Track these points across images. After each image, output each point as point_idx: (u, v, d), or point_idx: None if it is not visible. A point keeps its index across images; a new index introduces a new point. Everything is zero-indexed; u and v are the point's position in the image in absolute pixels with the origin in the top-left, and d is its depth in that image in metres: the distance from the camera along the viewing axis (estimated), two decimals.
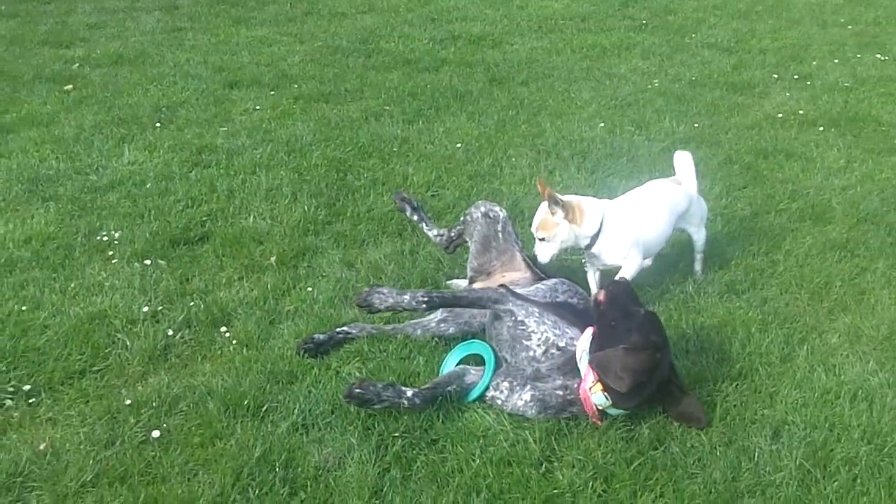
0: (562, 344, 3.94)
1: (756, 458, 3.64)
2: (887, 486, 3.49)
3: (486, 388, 3.90)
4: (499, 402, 3.88)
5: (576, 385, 3.78)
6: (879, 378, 4.15)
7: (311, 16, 11.02)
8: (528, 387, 3.84)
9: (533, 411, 3.82)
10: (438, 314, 4.43)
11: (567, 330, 4.00)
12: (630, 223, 4.66)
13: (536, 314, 4.04)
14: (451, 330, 4.38)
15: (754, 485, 3.50)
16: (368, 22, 10.71)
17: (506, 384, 3.88)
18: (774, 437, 3.77)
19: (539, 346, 3.96)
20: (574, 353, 3.87)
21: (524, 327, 4.01)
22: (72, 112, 7.60)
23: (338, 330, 4.34)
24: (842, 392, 4.03)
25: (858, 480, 3.53)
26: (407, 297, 4.09)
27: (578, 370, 3.81)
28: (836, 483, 3.50)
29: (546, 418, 3.80)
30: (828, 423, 3.83)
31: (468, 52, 9.52)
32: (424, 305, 4.10)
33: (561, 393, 3.82)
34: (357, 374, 4.05)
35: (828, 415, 3.89)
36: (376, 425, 3.72)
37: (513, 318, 4.04)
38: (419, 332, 4.38)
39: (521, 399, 3.83)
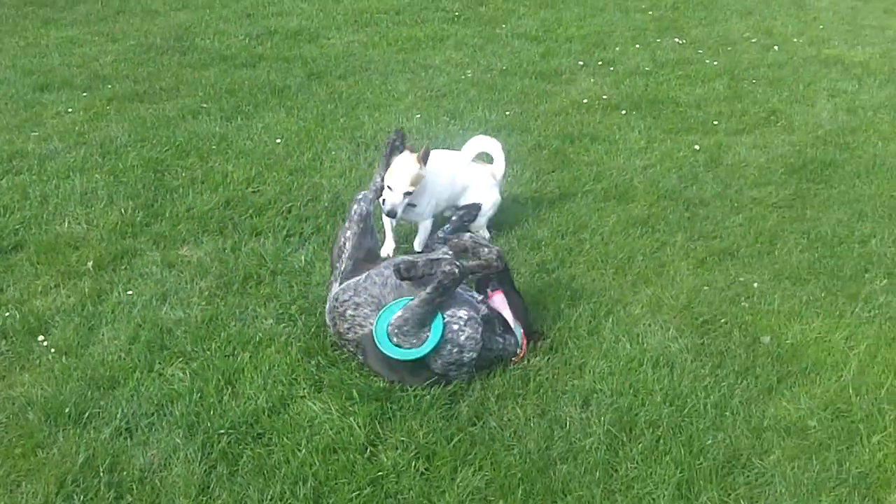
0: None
1: (567, 427, 3.87)
2: (687, 443, 3.78)
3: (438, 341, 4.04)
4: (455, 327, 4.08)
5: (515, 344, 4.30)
6: (679, 344, 4.46)
7: (124, 14, 10.73)
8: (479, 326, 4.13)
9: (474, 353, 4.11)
10: None
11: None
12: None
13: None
14: None
15: (566, 451, 3.73)
16: (182, 19, 10.53)
17: (462, 312, 4.11)
18: (584, 405, 4.02)
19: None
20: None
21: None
22: None
23: None
24: (645, 359, 4.32)
25: (661, 441, 3.81)
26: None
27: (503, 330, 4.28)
28: (640, 445, 3.77)
29: (475, 365, 4.13)
30: (633, 389, 4.11)
31: (285, 48, 9.50)
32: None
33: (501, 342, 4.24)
34: (180, 374, 4.07)
35: (632, 381, 4.17)
36: (201, 423, 3.76)
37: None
38: None
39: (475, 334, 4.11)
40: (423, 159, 4.87)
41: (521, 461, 3.66)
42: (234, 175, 6.20)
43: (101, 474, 3.47)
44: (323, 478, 3.52)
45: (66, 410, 3.81)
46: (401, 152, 4.89)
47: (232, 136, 7.00)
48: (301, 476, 3.51)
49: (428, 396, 3.99)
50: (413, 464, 3.61)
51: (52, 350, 4.26)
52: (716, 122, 7.58)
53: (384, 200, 4.84)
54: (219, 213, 5.64)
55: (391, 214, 4.90)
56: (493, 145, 5.46)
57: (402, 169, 4.82)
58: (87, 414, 3.81)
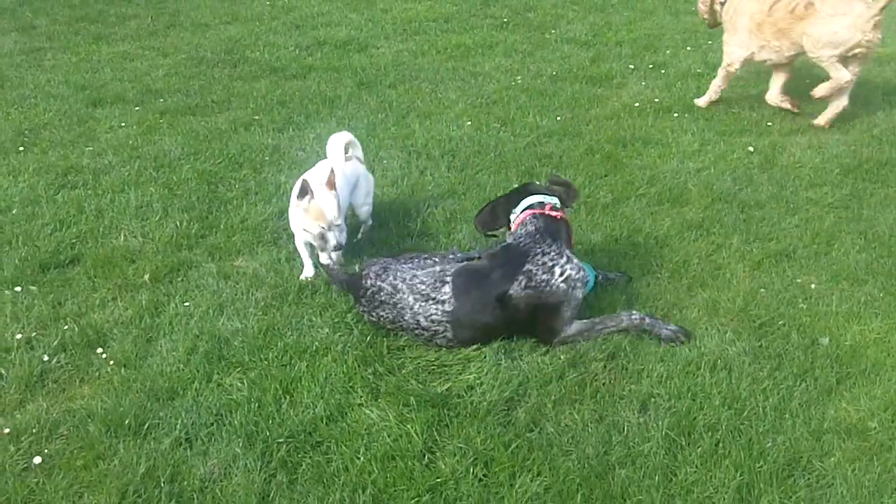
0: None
1: (625, 432, 3.85)
2: (747, 447, 3.74)
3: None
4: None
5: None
6: (737, 347, 4.42)
7: (174, 28, 10.90)
8: None
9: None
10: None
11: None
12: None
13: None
14: None
15: (625, 456, 3.71)
16: (232, 32, 10.67)
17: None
18: (642, 410, 4.00)
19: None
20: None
21: None
22: None
23: None
24: (702, 363, 4.29)
25: (720, 444, 3.77)
26: None
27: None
28: (699, 448, 3.74)
29: None
30: (690, 393, 4.08)
31: (335, 58, 9.59)
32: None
33: None
34: (238, 384, 4.11)
35: (690, 385, 4.14)
36: (260, 432, 3.80)
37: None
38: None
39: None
40: (332, 184, 4.79)
41: (579, 466, 3.64)
42: (286, 186, 6.24)
43: (162, 485, 3.52)
44: (382, 485, 3.53)
45: (126, 422, 3.86)
46: (308, 194, 4.73)
47: (284, 147, 7.07)
48: (360, 484, 3.52)
49: (485, 403, 3.99)
50: (471, 470, 3.61)
51: (111, 362, 4.33)
52: (770, 124, 7.50)
53: (334, 245, 4.77)
54: (273, 224, 5.69)
55: (341, 247, 4.85)
56: (346, 137, 5.42)
57: (330, 204, 4.73)
58: (146, 425, 3.86)
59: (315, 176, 4.97)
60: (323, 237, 4.77)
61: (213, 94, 8.39)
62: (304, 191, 4.70)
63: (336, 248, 4.78)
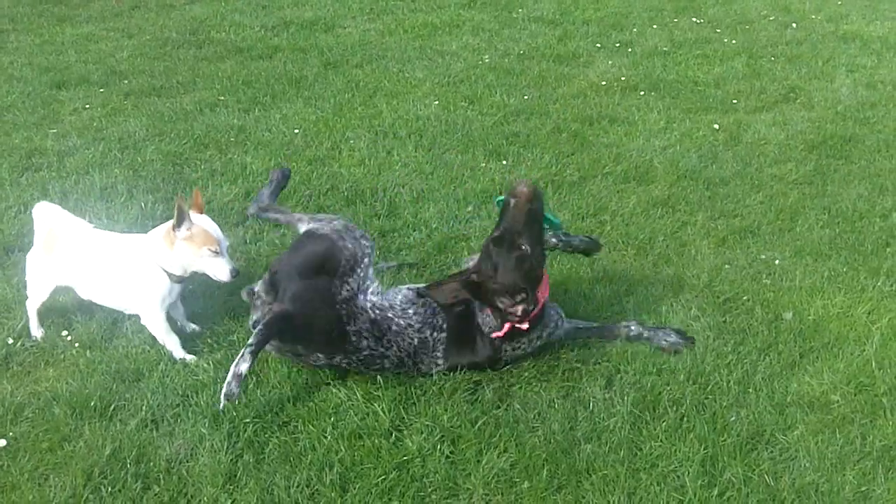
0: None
1: (591, 407, 3.88)
2: (711, 421, 3.78)
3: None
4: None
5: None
6: (701, 322, 4.47)
7: (139, 10, 10.75)
8: None
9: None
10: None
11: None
12: None
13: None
14: None
15: (590, 431, 3.74)
16: (197, 12, 10.55)
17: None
18: (607, 386, 4.03)
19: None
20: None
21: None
22: None
23: None
24: None
25: (685, 419, 3.81)
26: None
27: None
28: (664, 423, 3.78)
29: None
30: (655, 369, 4.12)
31: (301, 38, 9.51)
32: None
33: None
34: (204, 365, 4.09)
35: (655, 361, 4.18)
36: (226, 413, 3.78)
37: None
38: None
39: None
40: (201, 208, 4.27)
41: (545, 442, 3.67)
42: (253, 166, 6.22)
43: (128, 466, 3.50)
44: (349, 463, 3.54)
45: (92, 404, 3.84)
46: (185, 220, 4.08)
47: (250, 127, 7.02)
48: (327, 462, 3.53)
49: (452, 381, 4.00)
50: (438, 447, 3.62)
51: (77, 345, 4.30)
52: (735, 101, 7.55)
53: (230, 271, 4.16)
54: (239, 205, 5.66)
55: (237, 273, 4.22)
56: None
57: (213, 224, 4.21)
58: (112, 406, 3.84)
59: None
60: (216, 261, 4.15)
61: (178, 76, 8.30)
62: (182, 218, 4.04)
63: (234, 274, 4.17)
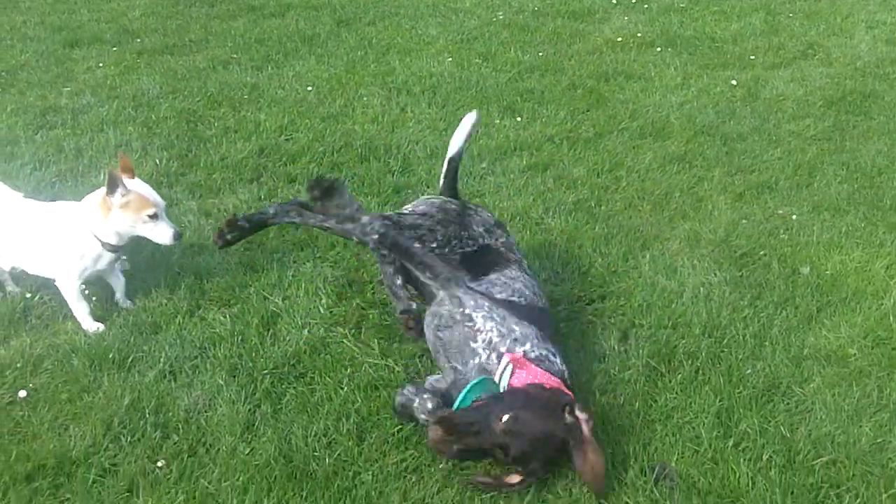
0: (503, 349, 3.40)
1: (606, 361, 3.88)
2: (727, 373, 3.78)
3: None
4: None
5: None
6: (718, 277, 4.45)
7: None
8: None
9: None
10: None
11: (514, 327, 3.48)
12: None
13: (486, 308, 3.56)
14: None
15: (606, 384, 3.74)
16: None
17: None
18: (623, 339, 4.03)
19: (483, 349, 3.45)
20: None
21: (471, 324, 3.51)
22: None
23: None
24: (683, 293, 4.32)
25: (700, 371, 3.81)
26: (365, 218, 3.89)
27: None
28: (680, 376, 3.77)
29: None
30: (671, 322, 4.12)
31: None
32: (377, 238, 3.82)
33: None
34: (221, 318, 4.11)
35: (671, 314, 4.17)
36: (244, 365, 3.80)
37: (461, 308, 3.58)
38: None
39: None
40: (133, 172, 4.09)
41: None
42: (266, 124, 6.20)
43: (147, 416, 3.52)
44: (365, 413, 3.55)
45: (110, 356, 3.85)
46: (119, 186, 3.92)
47: (263, 85, 7.00)
48: (344, 412, 3.54)
49: None
50: None
51: (94, 298, 4.30)
52: (752, 57, 7.48)
53: (173, 234, 4.01)
54: (253, 162, 5.65)
55: (180, 236, 4.09)
56: None
57: (148, 187, 4.05)
58: (130, 358, 3.85)
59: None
60: (157, 226, 4.00)
61: (191, 34, 8.26)
62: (114, 184, 3.89)
63: (177, 237, 4.04)
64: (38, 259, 4.12)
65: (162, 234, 4.00)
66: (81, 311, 4.11)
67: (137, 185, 3.99)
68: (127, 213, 3.94)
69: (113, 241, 4.04)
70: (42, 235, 4.07)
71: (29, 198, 4.33)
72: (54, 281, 4.12)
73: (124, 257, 4.41)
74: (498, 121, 6.29)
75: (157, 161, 5.59)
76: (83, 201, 4.06)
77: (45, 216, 4.13)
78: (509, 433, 3.09)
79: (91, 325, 4.11)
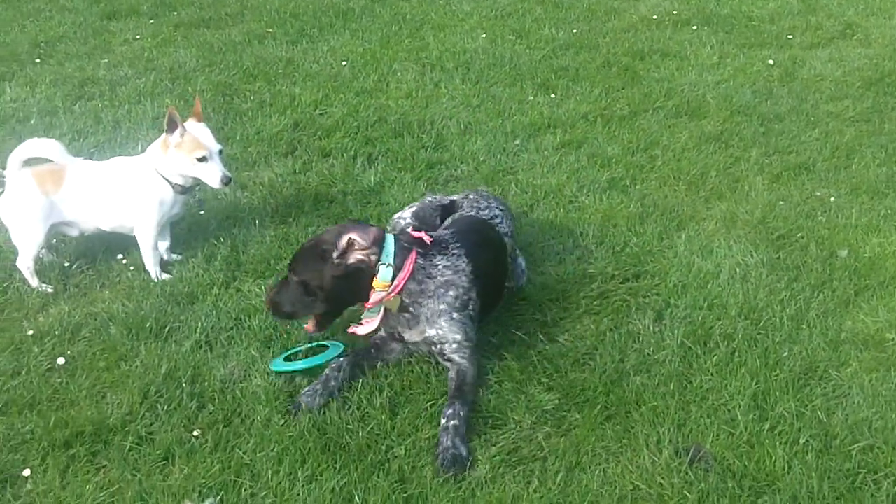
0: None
1: (641, 340, 3.86)
2: (763, 356, 3.75)
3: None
4: None
5: None
6: (754, 258, 4.41)
7: None
8: None
9: None
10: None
11: None
12: None
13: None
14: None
15: (640, 364, 3.72)
16: None
17: None
18: (657, 319, 4.00)
19: None
20: None
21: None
22: None
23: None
24: (719, 273, 4.29)
25: (736, 353, 3.77)
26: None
27: None
28: (715, 357, 3.74)
29: None
30: (706, 303, 4.08)
31: None
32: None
33: None
34: (257, 290, 4.13)
35: (706, 295, 4.14)
36: (278, 337, 3.82)
37: None
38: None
39: None
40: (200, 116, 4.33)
41: (595, 374, 3.65)
42: (301, 98, 6.22)
43: (184, 385, 3.55)
44: (399, 388, 3.56)
45: (147, 325, 3.89)
46: (177, 126, 4.14)
47: (298, 59, 7.00)
48: (377, 386, 3.55)
49: (497, 317, 3.99)
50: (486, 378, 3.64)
51: (132, 268, 4.35)
52: (790, 37, 7.40)
53: (222, 177, 4.17)
54: (288, 135, 5.67)
55: (229, 180, 4.22)
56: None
57: (206, 130, 4.25)
58: (167, 328, 3.89)
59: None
60: (207, 168, 4.17)
61: (227, 7, 8.29)
62: (173, 123, 4.12)
63: (225, 181, 4.18)
64: (116, 214, 4.28)
65: (212, 176, 4.17)
66: (153, 260, 4.30)
67: (195, 128, 4.21)
68: (181, 152, 4.14)
69: (177, 181, 4.23)
70: (118, 190, 4.24)
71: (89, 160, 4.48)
72: (131, 231, 4.29)
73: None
74: (532, 97, 6.27)
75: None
76: (148, 149, 4.27)
77: (116, 172, 4.30)
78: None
79: (159, 274, 4.28)
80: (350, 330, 3.64)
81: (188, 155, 4.13)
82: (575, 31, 7.55)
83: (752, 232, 4.65)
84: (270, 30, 7.67)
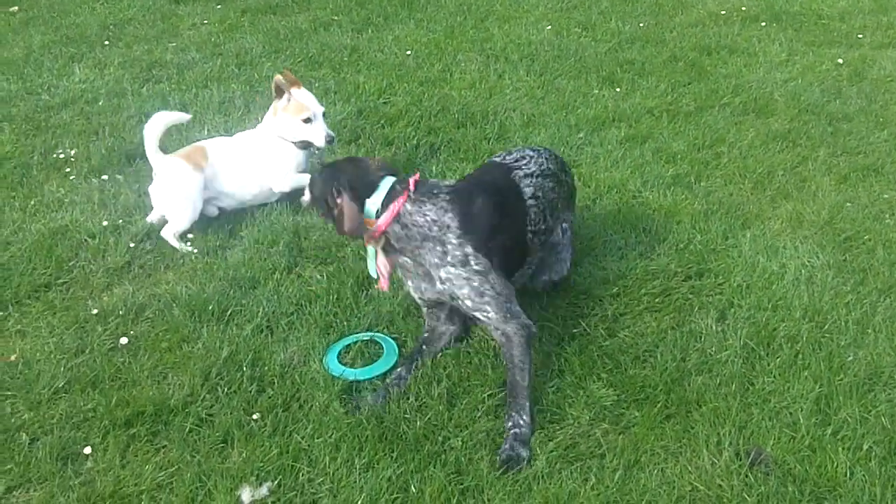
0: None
1: (703, 340, 3.81)
2: (827, 359, 3.68)
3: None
4: None
5: None
6: (821, 259, 4.33)
7: None
8: None
9: None
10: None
11: None
12: None
13: None
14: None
15: (701, 364, 3.68)
16: None
17: None
18: (720, 319, 3.95)
19: None
20: None
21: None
22: (19, 34, 7.50)
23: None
24: (784, 274, 4.22)
25: (800, 356, 3.71)
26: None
27: None
28: (778, 359, 3.69)
29: None
30: (771, 304, 4.02)
31: None
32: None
33: None
34: (318, 276, 4.16)
35: (771, 296, 4.07)
36: (338, 323, 3.85)
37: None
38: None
39: None
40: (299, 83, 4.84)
41: (655, 372, 3.62)
42: (365, 86, 6.24)
43: (244, 368, 3.60)
44: (456, 379, 3.56)
45: (210, 308, 3.94)
46: (284, 91, 4.72)
47: (363, 47, 7.03)
48: (435, 377, 3.56)
49: (553, 311, 3.97)
50: (543, 372, 3.62)
51: (195, 251, 4.40)
52: (860, 36, 7.24)
53: (325, 136, 4.75)
54: (351, 123, 5.70)
55: (332, 140, 4.79)
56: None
57: (309, 94, 4.80)
58: (229, 312, 3.94)
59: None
60: (312, 128, 4.73)
61: None
62: (280, 90, 4.69)
63: (329, 139, 4.74)
64: (258, 181, 4.77)
65: (318, 135, 4.74)
66: (299, 179, 4.79)
67: (299, 93, 4.73)
68: (287, 114, 4.70)
69: (292, 139, 4.76)
70: (254, 159, 4.75)
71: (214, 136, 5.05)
72: (269, 199, 4.82)
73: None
74: (596, 91, 6.22)
75: (259, 119, 5.63)
76: (263, 119, 4.84)
77: (247, 144, 4.81)
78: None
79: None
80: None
81: (294, 117, 4.68)
82: (641, 24, 7.48)
83: (819, 233, 4.57)
84: (336, 17, 7.71)
